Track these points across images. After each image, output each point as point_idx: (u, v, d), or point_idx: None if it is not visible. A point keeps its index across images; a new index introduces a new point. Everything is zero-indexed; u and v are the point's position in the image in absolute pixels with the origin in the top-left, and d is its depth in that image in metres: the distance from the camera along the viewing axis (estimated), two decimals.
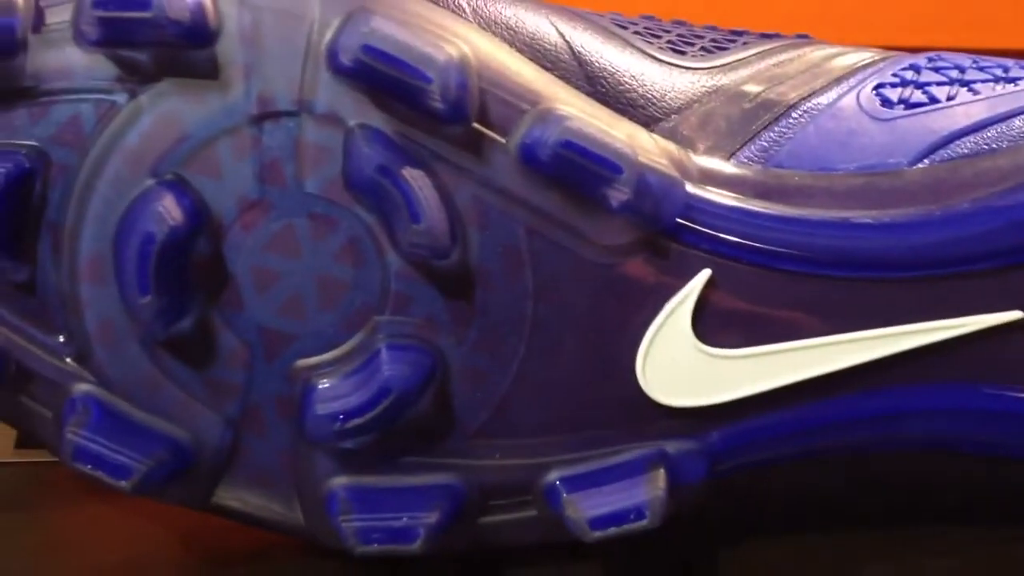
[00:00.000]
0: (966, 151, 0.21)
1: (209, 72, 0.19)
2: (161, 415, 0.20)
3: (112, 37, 0.19)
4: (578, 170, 0.19)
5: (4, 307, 0.20)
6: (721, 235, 0.20)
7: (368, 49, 0.18)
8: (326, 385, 0.20)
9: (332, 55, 0.19)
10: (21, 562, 0.22)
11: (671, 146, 0.21)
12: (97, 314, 0.20)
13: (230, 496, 0.21)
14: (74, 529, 0.23)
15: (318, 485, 0.20)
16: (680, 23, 0.24)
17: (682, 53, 0.23)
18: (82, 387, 0.20)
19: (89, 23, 0.18)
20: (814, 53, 0.23)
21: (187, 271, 0.19)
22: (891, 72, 0.23)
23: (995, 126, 0.22)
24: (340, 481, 0.20)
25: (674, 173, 0.20)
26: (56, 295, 0.20)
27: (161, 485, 0.20)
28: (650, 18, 0.24)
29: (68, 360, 0.20)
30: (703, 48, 0.23)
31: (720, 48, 0.23)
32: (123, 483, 0.19)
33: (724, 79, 0.22)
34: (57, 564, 0.22)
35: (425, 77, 0.18)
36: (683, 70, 0.22)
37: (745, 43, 0.23)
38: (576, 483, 0.20)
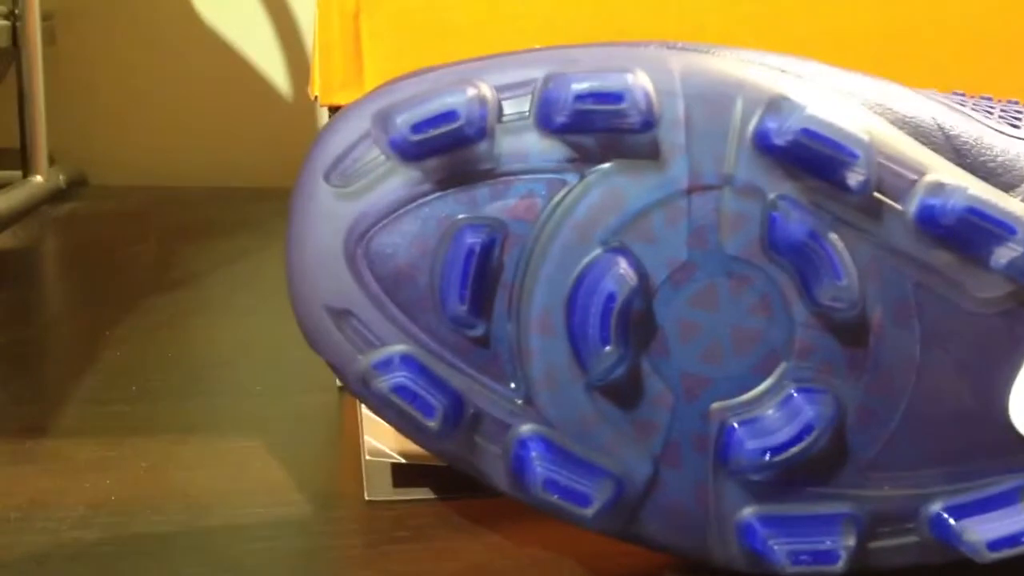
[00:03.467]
0: None
1: (649, 152, 0.22)
2: (596, 450, 0.23)
3: (577, 125, 0.22)
4: (976, 232, 0.22)
5: (463, 359, 0.23)
6: None
7: (807, 132, 0.21)
8: (750, 423, 0.22)
9: (762, 136, 0.22)
10: None
11: None
12: (544, 362, 0.23)
13: (647, 524, 0.23)
14: (481, 554, 0.26)
15: (728, 513, 0.23)
16: (986, 98, 0.27)
17: (1016, 127, 0.25)
18: (528, 427, 0.23)
19: (564, 114, 0.21)
20: None
21: (627, 324, 0.22)
22: None
23: None
24: (751, 510, 0.23)
25: None
26: (507, 347, 0.23)
27: (609, 513, 0.23)
28: (961, 94, 0.27)
29: (517, 402, 0.23)
30: None
31: None
32: (585, 511, 0.22)
33: None
34: None
35: (853, 155, 0.21)
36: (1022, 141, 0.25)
37: None
38: (962, 511, 0.23)
